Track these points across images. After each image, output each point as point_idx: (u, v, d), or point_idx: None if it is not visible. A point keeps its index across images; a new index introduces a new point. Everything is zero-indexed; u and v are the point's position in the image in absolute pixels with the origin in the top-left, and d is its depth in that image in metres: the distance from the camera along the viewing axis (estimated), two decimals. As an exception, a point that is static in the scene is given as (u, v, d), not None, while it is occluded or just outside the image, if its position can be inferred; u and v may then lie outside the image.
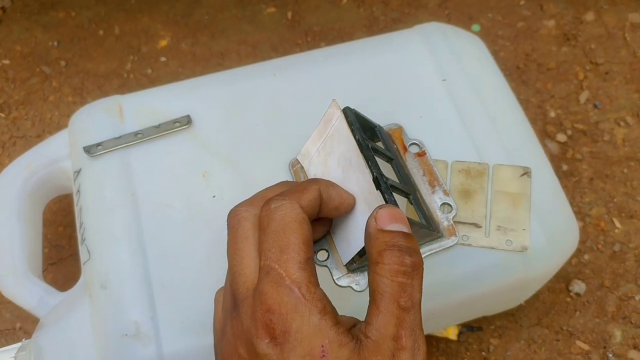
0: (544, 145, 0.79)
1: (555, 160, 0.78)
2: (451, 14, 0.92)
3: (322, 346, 0.28)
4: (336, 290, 0.41)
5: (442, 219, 0.48)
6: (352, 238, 0.39)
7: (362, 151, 0.40)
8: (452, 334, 0.67)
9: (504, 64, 0.86)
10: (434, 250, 0.47)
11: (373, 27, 0.91)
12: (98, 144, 0.54)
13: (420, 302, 0.31)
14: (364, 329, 0.30)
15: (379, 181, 0.38)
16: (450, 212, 0.48)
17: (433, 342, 0.67)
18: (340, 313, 0.32)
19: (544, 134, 0.80)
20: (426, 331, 0.65)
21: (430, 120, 0.54)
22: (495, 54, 0.87)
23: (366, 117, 0.47)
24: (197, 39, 0.89)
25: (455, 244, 0.47)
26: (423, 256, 0.44)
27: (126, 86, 0.85)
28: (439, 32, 0.59)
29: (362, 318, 0.31)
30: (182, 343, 0.46)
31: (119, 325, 0.47)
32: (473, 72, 0.56)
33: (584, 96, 0.83)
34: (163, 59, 0.88)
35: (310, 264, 0.31)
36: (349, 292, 0.41)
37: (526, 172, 0.51)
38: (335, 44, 0.87)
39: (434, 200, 0.48)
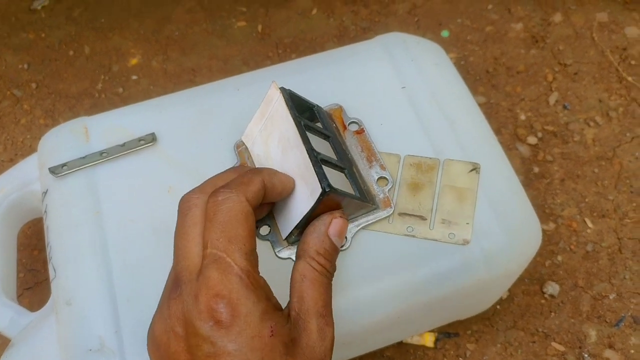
0: (515, 149, 0.80)
1: (527, 163, 0.78)
2: (420, 20, 0.93)
3: (271, 327, 0.31)
4: (277, 261, 0.47)
5: (379, 192, 0.51)
6: (291, 213, 0.42)
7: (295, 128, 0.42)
8: (428, 341, 0.68)
9: (474, 69, 0.87)
10: (370, 221, 0.49)
11: (344, 36, 0.92)
12: (63, 165, 0.55)
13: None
14: (295, 307, 0.34)
15: (310, 155, 0.40)
16: (386, 185, 0.51)
17: (410, 350, 0.67)
18: (282, 283, 0.37)
19: (514, 138, 0.81)
20: (400, 337, 0.65)
21: (391, 127, 0.54)
22: (464, 58, 0.88)
23: (303, 97, 0.50)
24: (167, 56, 0.90)
25: (391, 214, 0.50)
26: (359, 227, 0.50)
27: (98, 106, 0.85)
28: (399, 41, 0.60)
29: None
30: (146, 355, 0.46)
31: (83, 340, 0.47)
32: (432, 78, 0.57)
33: (553, 98, 0.84)
34: (134, 77, 0.88)
35: (254, 255, 0.34)
36: (289, 263, 0.46)
37: (475, 168, 0.52)
38: (306, 55, 0.88)
39: (371, 175, 0.51)
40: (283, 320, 0.33)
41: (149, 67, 0.89)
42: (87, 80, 0.88)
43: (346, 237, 0.49)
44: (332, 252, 0.38)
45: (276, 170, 0.41)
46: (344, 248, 0.49)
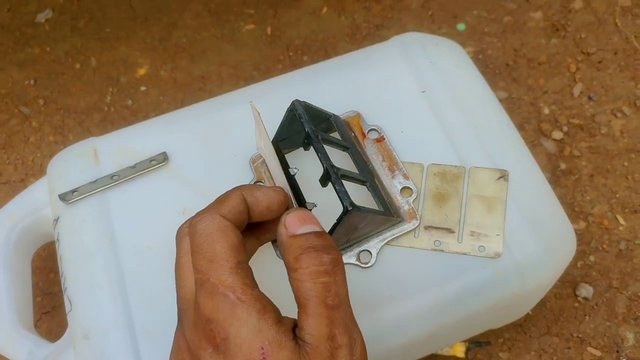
0: (540, 145, 0.76)
1: (553, 159, 0.75)
2: (435, 14, 0.90)
3: (262, 348, 0.28)
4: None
5: (403, 203, 0.48)
6: None
7: (312, 143, 0.41)
8: (459, 351, 0.65)
9: (493, 62, 0.84)
10: (396, 235, 0.47)
11: (356, 35, 0.89)
12: (74, 190, 0.53)
13: (348, 296, 0.31)
14: (300, 334, 0.30)
15: (329, 172, 0.39)
16: (411, 195, 0.49)
17: (440, 360, 0.65)
18: None
19: (539, 133, 0.77)
20: (430, 350, 0.63)
21: (412, 134, 0.52)
22: (482, 52, 0.85)
23: (319, 107, 0.48)
24: (176, 64, 0.87)
25: (417, 227, 0.47)
26: (384, 242, 0.47)
27: (107, 120, 0.83)
28: (416, 42, 0.57)
29: None
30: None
31: (103, 378, 0.45)
32: (453, 80, 0.55)
33: (577, 89, 0.80)
34: (143, 88, 0.86)
35: (242, 267, 0.31)
36: None
37: (503, 176, 0.50)
38: (318, 57, 0.86)
39: (394, 185, 0.49)
40: (283, 339, 0.29)
41: (158, 77, 0.86)
42: (96, 93, 0.86)
43: (370, 253, 0.47)
44: (313, 242, 0.31)
45: (260, 185, 0.39)
46: (367, 265, 0.47)
